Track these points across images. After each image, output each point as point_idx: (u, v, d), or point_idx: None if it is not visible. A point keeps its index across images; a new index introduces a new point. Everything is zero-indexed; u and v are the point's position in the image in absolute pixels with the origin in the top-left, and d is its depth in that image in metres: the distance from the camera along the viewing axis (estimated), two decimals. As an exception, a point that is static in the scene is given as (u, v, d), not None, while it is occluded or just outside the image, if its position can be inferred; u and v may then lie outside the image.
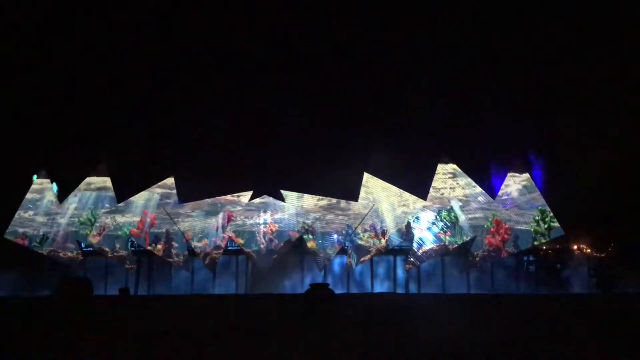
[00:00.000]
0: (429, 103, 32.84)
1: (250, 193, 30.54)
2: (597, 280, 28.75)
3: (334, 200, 30.80)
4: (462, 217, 29.73)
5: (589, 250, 30.20)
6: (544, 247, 29.96)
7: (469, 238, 29.54)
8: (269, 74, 34.74)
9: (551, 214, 29.00)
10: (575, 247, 30.31)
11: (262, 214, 30.76)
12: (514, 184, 30.21)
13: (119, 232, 30.32)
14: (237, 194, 30.68)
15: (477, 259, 29.61)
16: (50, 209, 31.35)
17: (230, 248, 30.50)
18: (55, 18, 34.63)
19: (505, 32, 33.94)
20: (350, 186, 30.31)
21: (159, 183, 30.65)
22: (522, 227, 29.51)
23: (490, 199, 29.90)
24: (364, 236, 30.26)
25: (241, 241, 30.30)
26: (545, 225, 28.97)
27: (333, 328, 15.95)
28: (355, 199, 30.38)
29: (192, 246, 30.06)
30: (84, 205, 31.15)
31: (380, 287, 30.23)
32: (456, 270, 30.17)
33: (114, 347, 13.59)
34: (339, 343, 13.87)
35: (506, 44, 33.94)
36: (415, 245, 29.74)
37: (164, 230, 30.36)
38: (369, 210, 30.11)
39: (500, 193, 30.10)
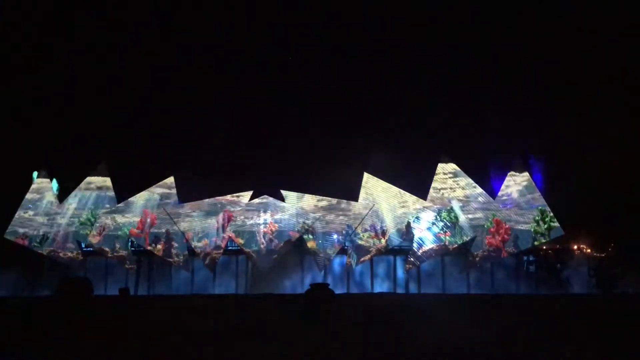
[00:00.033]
0: (429, 103, 32.81)
1: (250, 193, 30.58)
2: (597, 280, 28.75)
3: (334, 201, 30.84)
4: (462, 217, 29.75)
5: (589, 250, 30.20)
6: (544, 247, 29.96)
7: (469, 238, 29.56)
8: (269, 74, 34.73)
9: (551, 214, 29.03)
10: (575, 247, 30.31)
11: (262, 214, 30.80)
12: (514, 184, 30.23)
13: (119, 232, 30.35)
14: (237, 194, 30.73)
15: (477, 259, 29.63)
16: (50, 209, 31.34)
17: (230, 248, 30.52)
18: (55, 18, 34.59)
19: (505, 32, 33.90)
20: (350, 186, 30.34)
21: (159, 183, 30.66)
22: (522, 227, 29.55)
23: (491, 199, 29.93)
24: (364, 236, 30.28)
25: (241, 241, 30.34)
26: (545, 225, 28.99)
27: (333, 328, 15.93)
28: (355, 199, 30.41)
29: (192, 246, 30.09)
30: (84, 205, 31.15)
31: (380, 287, 30.23)
32: (456, 270, 30.18)
33: (114, 347, 13.57)
34: (339, 343, 13.85)
35: (506, 44, 33.90)
36: (415, 245, 29.76)
37: (164, 230, 30.38)
38: (369, 211, 30.14)
39: (500, 193, 30.13)
